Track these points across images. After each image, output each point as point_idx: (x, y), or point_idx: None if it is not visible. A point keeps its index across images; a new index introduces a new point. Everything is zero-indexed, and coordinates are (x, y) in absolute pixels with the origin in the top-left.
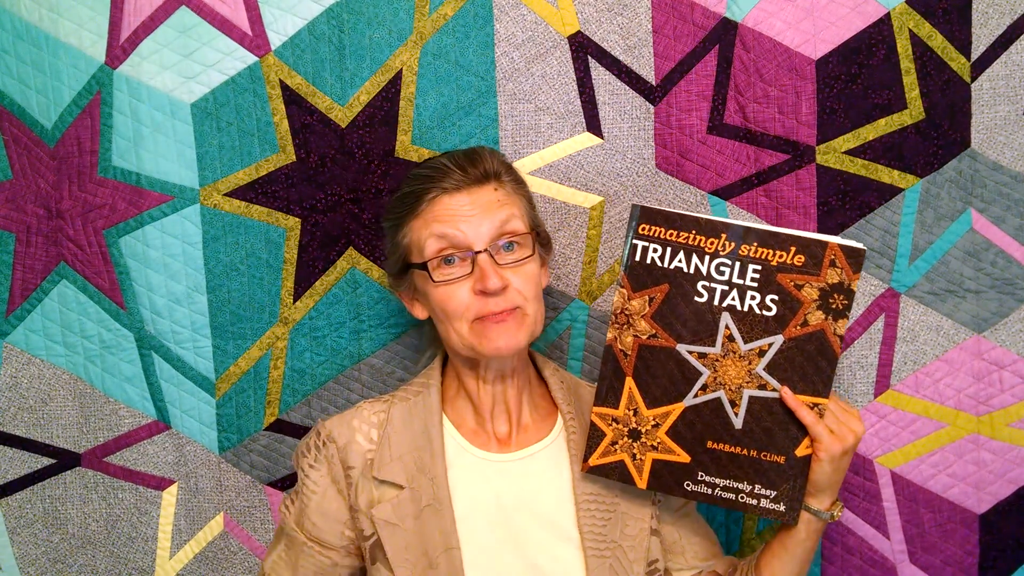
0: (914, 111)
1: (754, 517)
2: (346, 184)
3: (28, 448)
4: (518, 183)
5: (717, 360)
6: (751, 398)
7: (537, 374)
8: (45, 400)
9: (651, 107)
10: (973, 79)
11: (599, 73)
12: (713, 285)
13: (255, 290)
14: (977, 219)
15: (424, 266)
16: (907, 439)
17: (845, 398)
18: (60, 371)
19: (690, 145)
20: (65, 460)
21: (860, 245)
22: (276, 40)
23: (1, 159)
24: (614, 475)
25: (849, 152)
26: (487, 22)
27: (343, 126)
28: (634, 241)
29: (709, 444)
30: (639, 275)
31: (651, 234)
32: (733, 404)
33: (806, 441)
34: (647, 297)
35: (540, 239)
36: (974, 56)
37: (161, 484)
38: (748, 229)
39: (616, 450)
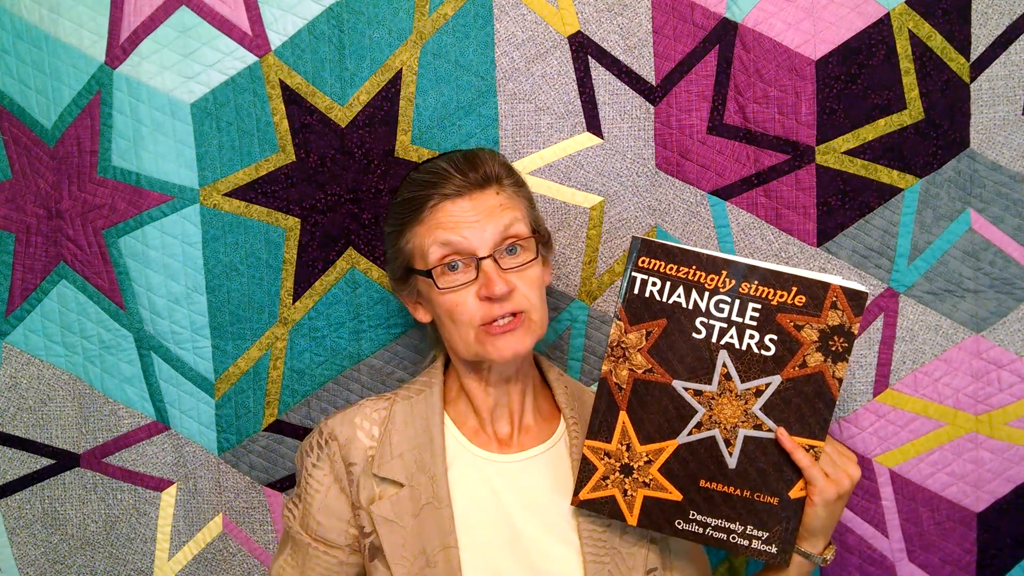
0: (913, 111)
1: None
2: (346, 184)
3: (27, 448)
4: (519, 185)
5: (713, 398)
6: (746, 438)
7: (541, 377)
8: (44, 400)
9: (651, 107)
10: (972, 79)
11: (599, 73)
12: (712, 322)
13: (255, 290)
14: (976, 219)
15: (428, 273)
16: (906, 438)
17: (841, 439)
18: (59, 371)
19: (690, 145)
20: (64, 461)
21: (863, 288)
22: (276, 40)
23: (1, 159)
24: (604, 510)
25: (849, 152)
26: (487, 22)
27: (343, 126)
28: (633, 274)
29: (702, 483)
30: (637, 308)
31: (651, 267)
32: (728, 443)
33: (800, 483)
34: (644, 331)
35: (541, 238)
36: (973, 56)
37: (160, 485)
38: (749, 267)
39: (607, 485)
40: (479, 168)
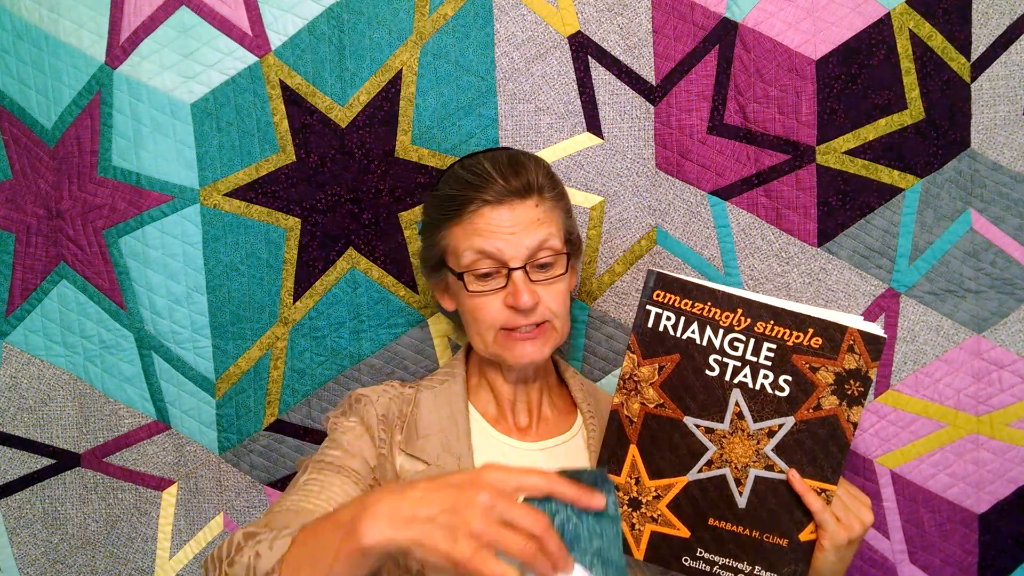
0: (914, 111)
1: None
2: (346, 184)
3: (28, 448)
4: (559, 196)
5: (724, 437)
6: (757, 478)
7: (557, 376)
8: (45, 400)
9: (651, 107)
10: (973, 79)
11: (599, 73)
12: (726, 360)
13: (255, 290)
14: (977, 219)
15: (460, 275)
16: (907, 439)
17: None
18: (60, 371)
19: (690, 145)
20: (65, 460)
21: (881, 333)
22: (276, 40)
23: (1, 159)
24: None
25: (849, 152)
26: (487, 22)
27: (343, 126)
28: (648, 307)
29: (711, 521)
30: (650, 342)
31: (665, 302)
32: (738, 483)
33: (811, 526)
34: (657, 365)
35: (573, 249)
36: (974, 56)
37: (161, 484)
38: (766, 306)
39: None
40: (522, 175)
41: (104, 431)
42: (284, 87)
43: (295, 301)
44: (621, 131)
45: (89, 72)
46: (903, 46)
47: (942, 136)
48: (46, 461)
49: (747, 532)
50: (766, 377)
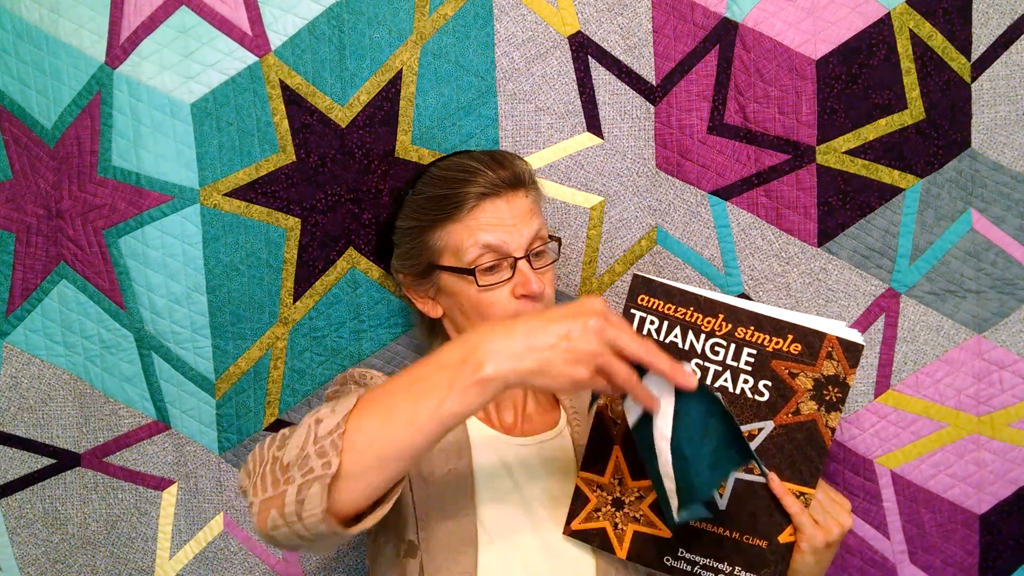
0: (914, 111)
1: None
2: (346, 184)
3: (28, 448)
4: (538, 189)
5: None
6: (737, 480)
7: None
8: (45, 400)
9: (651, 107)
10: (973, 79)
11: (599, 73)
12: (707, 364)
13: (255, 290)
14: (977, 219)
15: (469, 271)
16: (907, 439)
17: (842, 440)
18: (60, 371)
19: (690, 145)
20: (65, 460)
21: (860, 340)
22: (276, 40)
23: (1, 159)
24: (595, 542)
25: (849, 152)
26: (487, 22)
27: (343, 126)
28: (632, 311)
29: (692, 522)
30: None
31: (649, 306)
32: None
33: (790, 528)
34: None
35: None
36: (974, 56)
37: (161, 484)
38: (746, 312)
39: (599, 517)
40: (508, 167)
41: (104, 431)
42: (284, 87)
43: (295, 301)
44: (621, 131)
45: (89, 72)
46: (903, 46)
47: (942, 136)
48: (46, 461)
49: (727, 533)
50: (746, 382)
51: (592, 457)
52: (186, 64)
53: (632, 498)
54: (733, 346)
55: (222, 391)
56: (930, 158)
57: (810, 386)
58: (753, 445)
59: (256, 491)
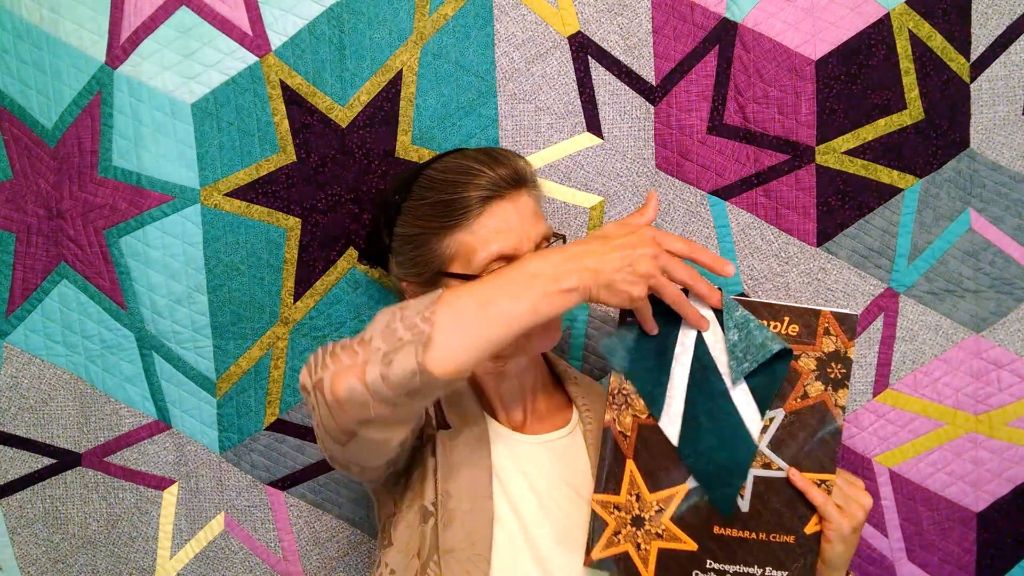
0: (913, 111)
1: None
2: (346, 184)
3: (29, 448)
4: (537, 185)
5: None
6: (756, 478)
7: (550, 371)
8: (46, 400)
9: (651, 107)
10: (972, 79)
11: (599, 73)
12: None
13: (255, 290)
14: (976, 219)
15: (475, 279)
16: (905, 438)
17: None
18: (60, 371)
19: (690, 145)
20: (66, 460)
21: (852, 311)
22: (276, 40)
23: (1, 159)
24: (619, 568)
25: (849, 152)
26: (487, 22)
27: (343, 126)
28: (628, 319)
29: (716, 530)
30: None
31: None
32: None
33: (815, 518)
34: None
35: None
36: (973, 56)
37: (161, 484)
38: (739, 301)
39: (620, 540)
40: (506, 165)
41: (105, 431)
42: (284, 87)
43: (296, 301)
44: (621, 131)
45: (89, 72)
46: (903, 46)
47: (941, 136)
48: (47, 460)
49: (753, 535)
50: None
51: (605, 477)
52: (186, 64)
53: (652, 512)
54: None
55: (223, 391)
56: (929, 158)
57: (813, 366)
58: (767, 437)
59: (326, 366)
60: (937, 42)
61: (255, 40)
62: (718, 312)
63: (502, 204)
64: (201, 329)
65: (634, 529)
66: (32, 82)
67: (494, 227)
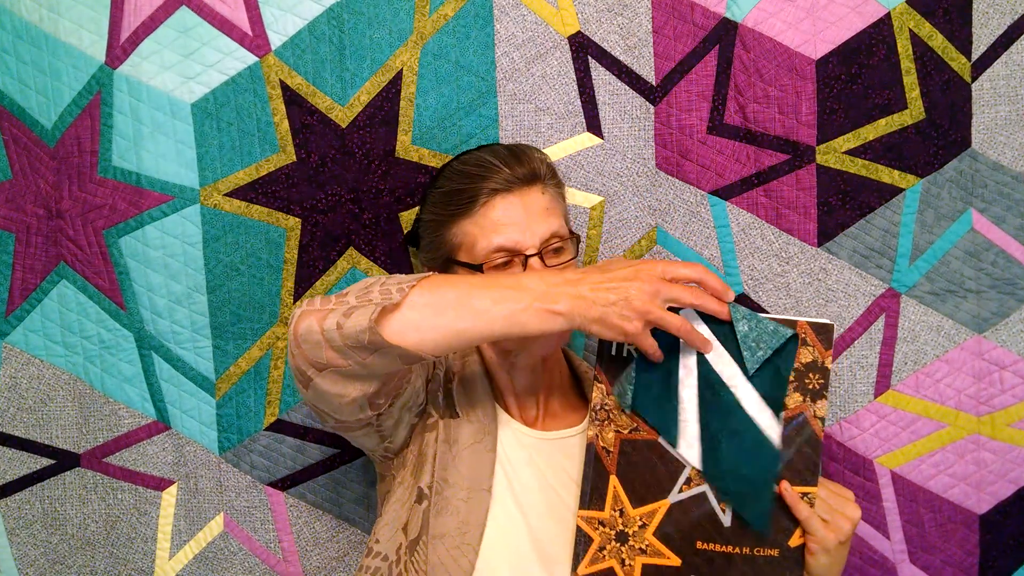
0: (914, 111)
1: None
2: (346, 184)
3: (27, 449)
4: (559, 184)
5: None
6: None
7: (570, 369)
8: (45, 400)
9: (651, 107)
10: (974, 79)
11: (599, 73)
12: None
13: (255, 290)
14: (978, 219)
15: (479, 267)
16: (907, 439)
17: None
18: (60, 371)
19: (690, 145)
20: (64, 461)
21: (828, 321)
22: (276, 40)
23: (1, 159)
24: None
25: (849, 152)
26: (487, 22)
27: (343, 126)
28: (623, 353)
29: (699, 544)
30: (615, 370)
31: None
32: (719, 499)
33: (799, 531)
34: None
35: (576, 238)
36: (975, 56)
37: (161, 484)
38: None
39: (605, 556)
40: (525, 163)
41: (104, 431)
42: (284, 87)
43: (295, 301)
44: (621, 131)
45: (89, 72)
46: (903, 46)
47: (942, 136)
48: (46, 461)
49: (737, 550)
50: None
51: (589, 493)
52: (186, 64)
53: (636, 528)
54: None
55: (222, 391)
56: (930, 158)
57: (791, 377)
58: None
59: (299, 307)
60: (938, 42)
61: (255, 40)
62: (714, 326)
63: (509, 198)
64: (200, 329)
65: (618, 545)
66: (31, 82)
67: (498, 219)
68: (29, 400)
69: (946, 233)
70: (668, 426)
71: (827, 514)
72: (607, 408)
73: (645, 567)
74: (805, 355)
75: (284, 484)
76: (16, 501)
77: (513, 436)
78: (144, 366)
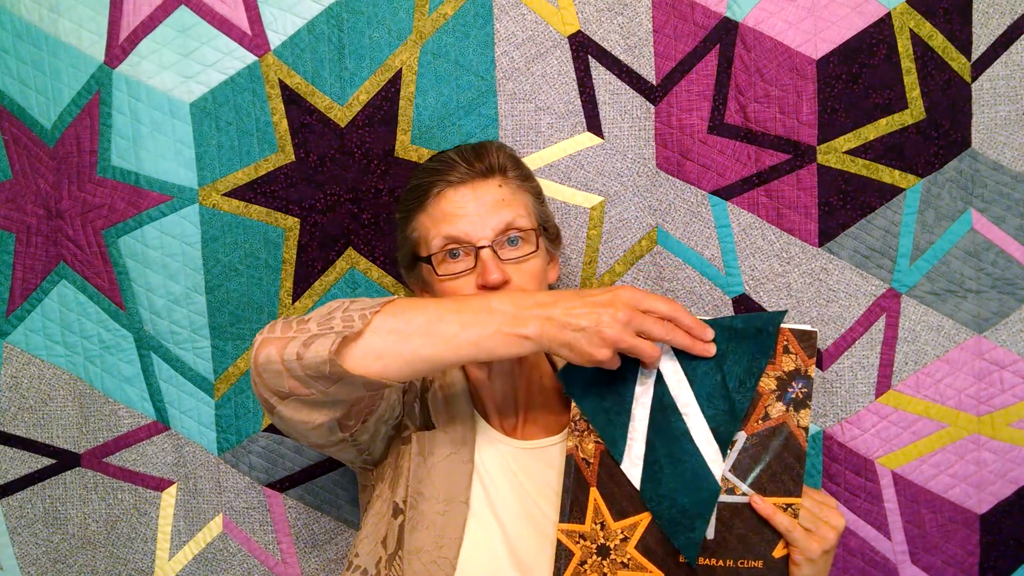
0: (915, 111)
1: None
2: (345, 184)
3: (28, 448)
4: (524, 178)
5: None
6: (720, 504)
7: (553, 371)
8: (45, 400)
9: (651, 107)
10: (974, 79)
11: (599, 73)
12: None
13: (254, 290)
14: (978, 219)
15: (429, 259)
16: (908, 439)
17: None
18: (60, 371)
19: (691, 145)
20: (65, 460)
21: (811, 327)
22: (275, 40)
23: (1, 159)
24: None
25: (850, 152)
26: (487, 22)
27: (342, 126)
28: None
29: (682, 558)
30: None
31: None
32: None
33: (782, 542)
34: None
35: (548, 234)
36: (975, 56)
37: (160, 485)
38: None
39: (586, 570)
40: (484, 158)
41: (104, 431)
42: (283, 87)
43: (294, 301)
44: (621, 131)
45: (88, 72)
46: (904, 46)
47: (943, 136)
48: (47, 461)
49: (721, 563)
50: None
51: (570, 507)
52: (185, 64)
53: (617, 541)
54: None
55: (221, 392)
56: (930, 158)
57: (774, 386)
58: (729, 462)
59: (261, 334)
60: (938, 41)
61: (254, 39)
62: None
63: (460, 190)
64: (199, 329)
65: (600, 559)
66: (31, 82)
67: (448, 210)
68: (30, 400)
69: (946, 233)
70: (616, 440)
71: (811, 524)
72: (586, 419)
73: None
74: (787, 363)
75: (283, 485)
76: (18, 500)
77: (491, 446)
78: (143, 366)
